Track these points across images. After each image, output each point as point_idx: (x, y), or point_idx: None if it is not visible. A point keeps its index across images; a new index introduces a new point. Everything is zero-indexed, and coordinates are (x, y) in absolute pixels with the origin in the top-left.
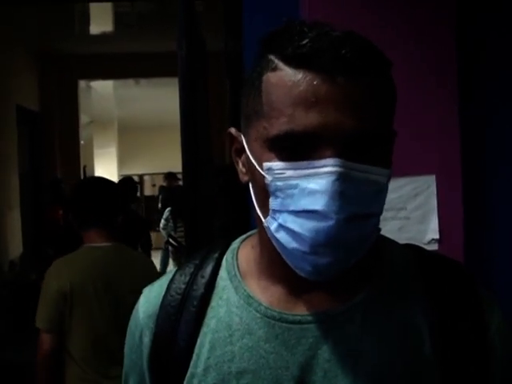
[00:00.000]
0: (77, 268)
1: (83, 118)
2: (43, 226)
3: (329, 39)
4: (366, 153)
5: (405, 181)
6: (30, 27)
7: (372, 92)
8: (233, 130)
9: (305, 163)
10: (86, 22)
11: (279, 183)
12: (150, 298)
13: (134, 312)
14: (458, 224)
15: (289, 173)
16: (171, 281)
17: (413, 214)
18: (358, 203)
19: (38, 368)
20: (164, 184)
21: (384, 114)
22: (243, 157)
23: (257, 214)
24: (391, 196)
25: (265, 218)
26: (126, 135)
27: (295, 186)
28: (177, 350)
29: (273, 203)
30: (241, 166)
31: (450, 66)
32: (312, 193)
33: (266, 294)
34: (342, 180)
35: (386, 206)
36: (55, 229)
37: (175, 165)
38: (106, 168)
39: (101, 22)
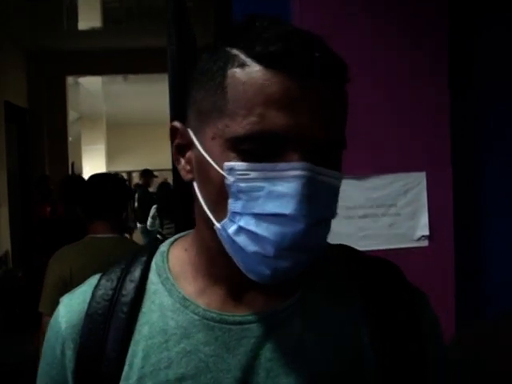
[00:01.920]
0: (78, 256)
1: (71, 115)
2: (31, 223)
3: (300, 40)
4: (328, 157)
5: (395, 177)
6: (19, 23)
7: (339, 97)
8: (178, 124)
9: (271, 165)
10: (75, 17)
11: (242, 184)
12: (72, 307)
13: (52, 323)
14: (449, 220)
15: (253, 174)
16: (96, 287)
17: (403, 210)
18: (322, 207)
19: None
20: (140, 182)
21: (345, 120)
22: (189, 153)
23: (201, 214)
24: (382, 192)
25: (217, 219)
26: (115, 132)
27: (261, 189)
28: (106, 362)
29: (233, 205)
30: (184, 164)
31: (442, 65)
32: (280, 196)
33: (203, 296)
34: (310, 184)
35: (376, 203)
36: (43, 226)
37: (164, 161)
38: (95, 165)
39: (89, 17)
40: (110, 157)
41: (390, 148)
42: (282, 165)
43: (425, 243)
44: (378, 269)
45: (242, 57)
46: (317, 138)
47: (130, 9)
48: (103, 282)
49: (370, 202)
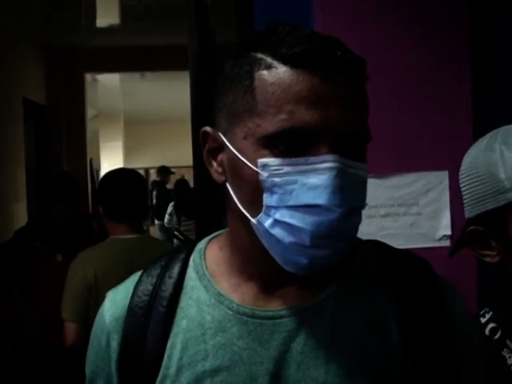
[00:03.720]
0: (102, 259)
1: (89, 112)
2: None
3: (321, 40)
4: (354, 150)
5: (417, 176)
6: (37, 20)
7: (361, 92)
8: (208, 129)
9: (303, 159)
10: (93, 14)
11: (276, 179)
12: (116, 301)
13: (98, 316)
14: None
15: (286, 169)
16: (138, 283)
17: (425, 209)
18: (353, 197)
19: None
20: (157, 179)
21: (367, 114)
22: (220, 156)
23: (236, 214)
24: (403, 191)
25: (253, 215)
26: (132, 129)
27: (294, 182)
28: (147, 352)
29: (268, 199)
30: (216, 166)
31: (464, 64)
32: (313, 188)
33: (237, 292)
34: (341, 175)
35: (398, 202)
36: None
37: (181, 158)
38: (112, 161)
39: (107, 14)
40: (128, 153)
41: (411, 147)
42: (313, 158)
43: (446, 243)
44: (408, 264)
45: (268, 59)
46: (344, 132)
47: (148, 6)
48: (144, 278)
49: (391, 200)
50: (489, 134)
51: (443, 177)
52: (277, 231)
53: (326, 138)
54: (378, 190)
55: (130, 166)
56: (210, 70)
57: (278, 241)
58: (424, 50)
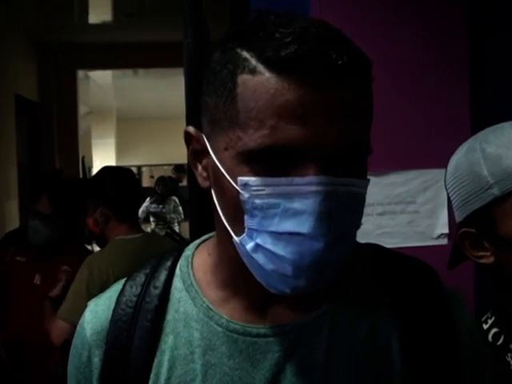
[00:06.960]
0: (117, 261)
1: (81, 109)
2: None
3: (314, 39)
4: (349, 165)
5: (414, 174)
6: (29, 16)
7: (359, 98)
8: (191, 130)
9: (287, 180)
10: (85, 11)
11: (257, 201)
12: (97, 313)
13: (78, 328)
14: None
15: (268, 190)
16: (121, 293)
17: (422, 207)
18: (342, 220)
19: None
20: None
21: (369, 122)
22: (204, 160)
23: (221, 224)
24: (400, 189)
25: (236, 233)
26: (125, 126)
27: (277, 206)
28: (133, 370)
29: (249, 221)
30: (200, 170)
31: (462, 62)
32: (297, 214)
33: (226, 305)
34: (329, 199)
35: (395, 200)
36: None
37: (174, 156)
38: (104, 159)
39: (100, 11)
40: (120, 151)
41: (409, 144)
42: (297, 179)
43: (444, 241)
44: (409, 271)
45: (253, 61)
46: (335, 147)
47: (141, 2)
48: (128, 287)
49: (388, 198)
50: (469, 139)
51: (441, 175)
52: (258, 256)
53: (312, 157)
54: (375, 188)
55: (122, 164)
56: (205, 66)
57: (259, 266)
58: (423, 47)
